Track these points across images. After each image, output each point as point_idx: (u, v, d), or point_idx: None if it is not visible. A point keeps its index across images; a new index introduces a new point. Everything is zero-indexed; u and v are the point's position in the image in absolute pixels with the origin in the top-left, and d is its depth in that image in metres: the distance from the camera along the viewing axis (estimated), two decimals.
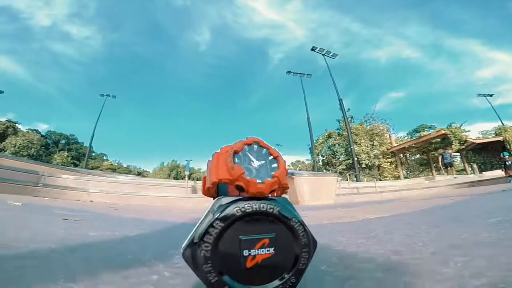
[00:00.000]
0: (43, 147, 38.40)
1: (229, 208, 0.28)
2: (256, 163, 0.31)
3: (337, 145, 22.35)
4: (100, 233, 0.82)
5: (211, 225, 0.27)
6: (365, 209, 2.53)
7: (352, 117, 22.75)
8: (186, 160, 8.49)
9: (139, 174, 40.37)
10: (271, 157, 0.32)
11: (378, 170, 21.05)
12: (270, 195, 0.31)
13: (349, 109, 21.93)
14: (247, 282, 0.27)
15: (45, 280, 0.35)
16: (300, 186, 5.39)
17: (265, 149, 0.32)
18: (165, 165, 47.55)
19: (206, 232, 0.27)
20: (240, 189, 0.29)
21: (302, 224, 0.29)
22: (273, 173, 0.30)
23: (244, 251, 0.27)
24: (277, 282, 0.28)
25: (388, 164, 20.83)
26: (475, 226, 0.81)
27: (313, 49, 19.73)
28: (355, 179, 15.12)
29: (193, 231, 0.27)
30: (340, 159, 21.96)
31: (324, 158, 23.14)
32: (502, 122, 21.87)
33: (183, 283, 0.37)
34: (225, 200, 0.29)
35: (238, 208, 0.28)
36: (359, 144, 20.54)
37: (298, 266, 0.28)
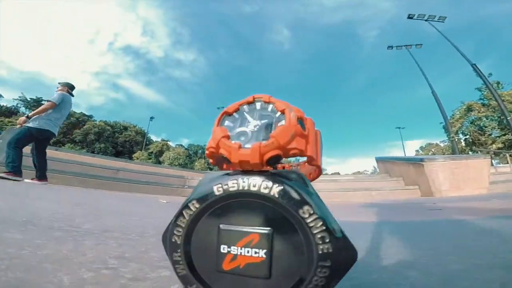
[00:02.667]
0: (187, 157, 48.22)
1: (209, 186, 0.20)
2: (253, 124, 0.22)
3: (484, 119, 17.30)
4: None
5: (186, 206, 0.20)
6: None
7: (499, 83, 17.13)
8: None
9: None
10: (278, 114, 0.22)
11: None
12: (292, 171, 0.21)
13: (490, 74, 16.68)
14: None
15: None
16: (434, 174, 4.45)
17: (271, 105, 0.23)
18: None
19: (180, 213, 0.20)
20: (228, 160, 0.21)
21: (322, 218, 0.18)
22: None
23: (222, 246, 0.19)
24: None
25: None
26: None
27: (410, 17, 16.26)
28: None
29: None
30: (492, 136, 16.89)
31: (468, 136, 18.38)
32: None
33: None
34: (210, 175, 0.22)
35: (220, 185, 0.20)
36: None
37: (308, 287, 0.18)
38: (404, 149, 37.89)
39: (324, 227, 0.17)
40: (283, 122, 0.21)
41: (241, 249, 0.18)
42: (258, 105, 0.23)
